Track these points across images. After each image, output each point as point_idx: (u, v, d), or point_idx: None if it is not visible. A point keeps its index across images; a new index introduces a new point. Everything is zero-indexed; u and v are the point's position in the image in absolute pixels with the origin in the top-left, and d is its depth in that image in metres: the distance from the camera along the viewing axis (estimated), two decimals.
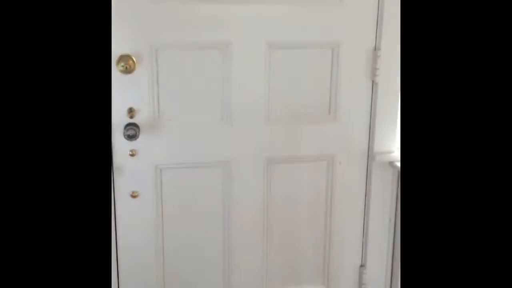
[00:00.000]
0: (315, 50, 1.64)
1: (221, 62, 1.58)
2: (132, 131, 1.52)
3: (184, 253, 1.72)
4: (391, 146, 1.73)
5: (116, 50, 1.48)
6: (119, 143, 1.56)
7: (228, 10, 1.53)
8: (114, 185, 1.61)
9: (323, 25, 1.62)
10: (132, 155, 1.58)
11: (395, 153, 1.71)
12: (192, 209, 1.69)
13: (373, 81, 1.69)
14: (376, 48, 1.65)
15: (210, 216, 1.72)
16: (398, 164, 1.70)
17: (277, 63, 1.62)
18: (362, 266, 1.86)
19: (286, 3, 1.57)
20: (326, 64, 1.66)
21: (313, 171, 1.76)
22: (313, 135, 1.71)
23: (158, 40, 1.51)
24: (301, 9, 1.58)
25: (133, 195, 1.62)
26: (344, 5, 1.61)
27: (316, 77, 1.67)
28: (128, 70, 1.49)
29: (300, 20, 1.59)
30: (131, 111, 1.54)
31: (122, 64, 1.48)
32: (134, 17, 1.48)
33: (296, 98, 1.67)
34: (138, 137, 1.53)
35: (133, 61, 1.49)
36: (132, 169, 1.60)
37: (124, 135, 1.52)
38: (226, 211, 1.71)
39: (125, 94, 1.52)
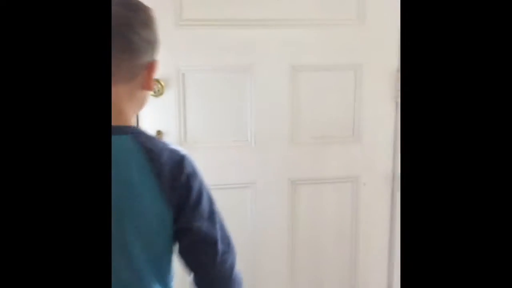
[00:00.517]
0: (338, 72, 1.67)
1: (246, 85, 1.62)
2: None
3: None
4: None
5: None
6: None
7: (252, 34, 1.58)
8: None
9: (346, 47, 1.65)
10: None
11: None
12: None
13: (396, 102, 1.70)
14: (399, 69, 1.67)
15: (235, 237, 1.72)
16: None
17: (300, 85, 1.65)
18: (388, 287, 1.84)
19: (308, 27, 1.61)
20: (349, 85, 1.68)
21: (338, 192, 1.77)
22: (337, 156, 1.72)
23: (185, 64, 1.56)
24: (323, 31, 1.62)
25: None
26: (366, 26, 1.64)
27: (340, 99, 1.69)
28: (157, 94, 1.53)
29: (322, 42, 1.63)
30: (159, 134, 1.57)
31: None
32: (162, 42, 1.52)
33: (319, 119, 1.69)
34: None
35: (162, 85, 1.54)
36: None
37: None
38: (251, 233, 1.72)
39: (154, 117, 1.56)
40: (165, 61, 1.53)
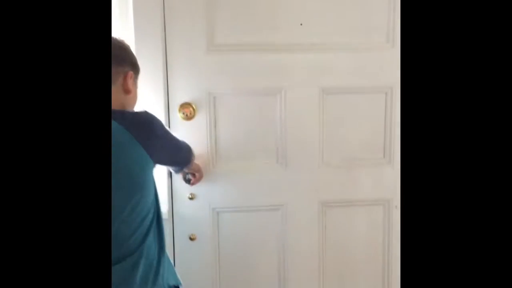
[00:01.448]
0: (368, 95, 1.67)
1: (276, 108, 1.64)
2: (191, 175, 1.58)
3: None
4: None
5: (177, 98, 1.58)
6: (179, 187, 1.63)
7: (281, 58, 1.61)
8: (174, 227, 1.67)
9: (376, 69, 1.65)
10: (191, 198, 1.64)
11: None
12: (248, 251, 1.71)
13: None
14: None
15: (266, 258, 1.73)
16: None
17: (330, 107, 1.66)
18: None
19: (337, 50, 1.62)
20: (380, 107, 1.68)
21: (369, 215, 1.75)
22: (368, 178, 1.71)
23: (216, 87, 1.60)
24: (352, 54, 1.63)
25: (191, 238, 1.67)
26: (396, 48, 1.64)
27: (370, 121, 1.69)
28: (189, 117, 1.58)
29: (352, 65, 1.64)
30: None
31: (183, 111, 1.57)
32: (193, 67, 1.58)
33: (350, 141, 1.69)
34: None
35: (193, 108, 1.58)
36: (191, 212, 1.66)
37: (184, 179, 1.59)
38: (281, 255, 1.72)
39: (186, 140, 1.59)
40: (197, 85, 1.59)
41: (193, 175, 1.58)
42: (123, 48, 1.26)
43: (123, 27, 1.60)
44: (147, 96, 1.54)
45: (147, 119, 1.22)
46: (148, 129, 1.21)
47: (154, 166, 1.25)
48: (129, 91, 1.24)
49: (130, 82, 1.24)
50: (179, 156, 1.42)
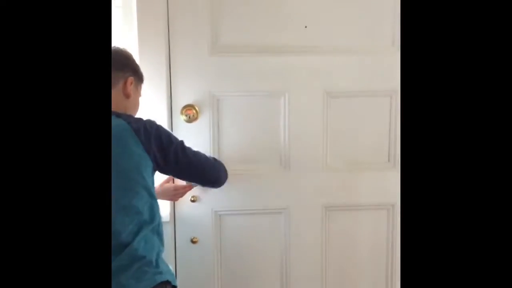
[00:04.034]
0: (372, 98, 1.65)
1: (280, 110, 1.62)
2: None
3: None
4: None
5: (180, 100, 1.57)
6: None
7: (286, 61, 1.59)
8: (175, 230, 1.66)
9: (380, 73, 1.63)
10: (193, 201, 1.62)
11: None
12: (250, 255, 1.70)
13: None
14: None
15: (268, 262, 1.71)
16: None
17: (334, 111, 1.64)
18: None
19: (343, 53, 1.61)
20: (384, 111, 1.66)
21: (373, 219, 1.73)
22: (372, 182, 1.69)
23: (219, 90, 1.59)
24: (357, 58, 1.62)
25: (193, 241, 1.66)
26: None
27: (374, 125, 1.67)
28: (191, 119, 1.57)
29: (356, 69, 1.62)
30: None
31: (186, 113, 1.56)
32: (196, 69, 1.57)
33: (354, 145, 1.68)
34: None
35: (196, 110, 1.57)
36: (193, 215, 1.65)
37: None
38: (284, 258, 1.71)
39: (189, 143, 1.58)
40: (199, 87, 1.58)
41: None
42: (125, 56, 1.35)
43: (126, 28, 1.59)
44: (150, 98, 1.54)
45: (152, 125, 1.30)
46: (152, 132, 1.28)
47: (153, 169, 1.31)
48: (129, 95, 1.33)
49: (130, 87, 1.33)
50: (201, 169, 1.43)
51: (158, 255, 1.27)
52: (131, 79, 1.33)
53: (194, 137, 1.59)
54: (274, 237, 1.70)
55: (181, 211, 1.64)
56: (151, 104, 1.54)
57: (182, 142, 1.38)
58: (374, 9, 1.61)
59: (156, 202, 1.31)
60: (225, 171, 1.53)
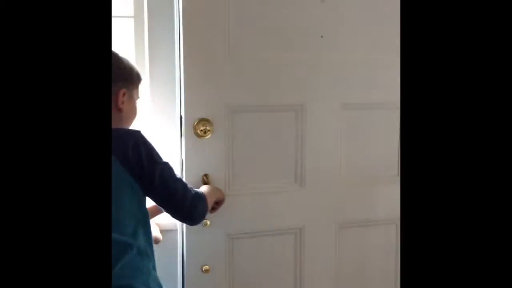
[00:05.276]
0: (384, 110, 1.63)
1: (295, 124, 1.55)
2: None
3: None
4: None
5: (194, 114, 1.46)
6: None
7: (301, 73, 1.53)
8: (184, 257, 1.51)
9: (394, 85, 1.62)
10: (205, 225, 1.50)
11: None
12: (264, 278, 1.59)
13: None
14: None
15: (282, 284, 1.60)
16: None
17: (349, 123, 1.60)
18: None
19: (358, 66, 1.58)
20: (396, 123, 1.65)
21: (384, 234, 1.70)
22: (384, 197, 1.66)
23: (234, 103, 1.49)
24: (372, 71, 1.59)
25: (204, 270, 1.52)
26: None
27: (386, 137, 1.65)
28: (205, 134, 1.46)
29: (371, 80, 1.60)
30: (206, 177, 1.49)
31: (200, 128, 1.46)
32: (211, 81, 1.47)
33: (367, 159, 1.64)
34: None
35: (210, 123, 1.47)
36: (204, 240, 1.51)
37: None
38: (297, 279, 1.62)
39: (202, 159, 1.46)
40: (214, 100, 1.48)
41: (216, 203, 1.45)
42: (114, 64, 1.17)
43: (138, 38, 1.50)
44: (161, 111, 1.43)
45: (134, 139, 1.17)
46: (129, 148, 1.15)
47: (136, 188, 1.18)
48: (121, 110, 1.21)
49: (122, 99, 1.21)
50: (176, 200, 1.24)
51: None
52: (123, 91, 1.20)
53: (207, 154, 1.47)
54: (288, 257, 1.60)
55: (192, 236, 1.50)
56: (161, 117, 1.43)
57: (166, 163, 1.23)
58: (388, 23, 1.57)
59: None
60: (203, 210, 1.31)
